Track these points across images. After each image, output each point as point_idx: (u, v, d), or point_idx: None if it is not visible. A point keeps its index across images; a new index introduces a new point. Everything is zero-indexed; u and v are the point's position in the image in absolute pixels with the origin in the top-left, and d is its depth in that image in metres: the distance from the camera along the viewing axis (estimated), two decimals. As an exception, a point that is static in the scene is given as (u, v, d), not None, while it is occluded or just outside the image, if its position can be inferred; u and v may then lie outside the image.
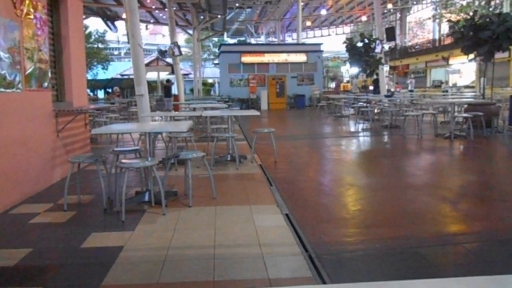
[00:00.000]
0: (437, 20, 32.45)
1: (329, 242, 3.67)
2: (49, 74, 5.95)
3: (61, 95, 6.73)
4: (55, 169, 5.92)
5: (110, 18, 23.01)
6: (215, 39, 43.86)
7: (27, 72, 5.23)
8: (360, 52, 19.10)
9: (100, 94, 32.50)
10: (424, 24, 39.15)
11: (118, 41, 56.03)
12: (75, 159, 4.64)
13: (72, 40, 6.79)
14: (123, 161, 4.45)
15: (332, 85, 37.37)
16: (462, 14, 19.06)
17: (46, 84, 5.79)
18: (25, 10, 5.20)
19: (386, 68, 24.16)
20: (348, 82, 36.60)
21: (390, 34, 20.56)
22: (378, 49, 18.08)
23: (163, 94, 21.71)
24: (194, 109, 11.15)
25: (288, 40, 44.20)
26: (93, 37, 34.61)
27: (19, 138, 4.97)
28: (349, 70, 37.10)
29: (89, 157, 4.80)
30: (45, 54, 5.81)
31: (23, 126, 5.11)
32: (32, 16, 5.40)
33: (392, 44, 29.60)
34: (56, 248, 3.57)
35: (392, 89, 23.21)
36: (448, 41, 25.73)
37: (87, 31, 32.14)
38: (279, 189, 5.38)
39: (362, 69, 19.65)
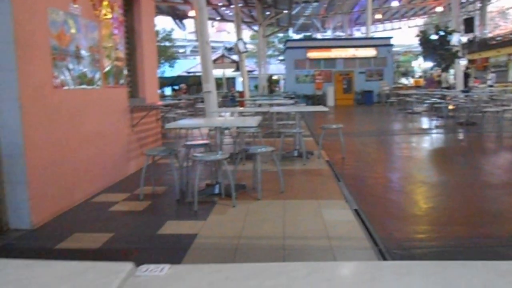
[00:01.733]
0: (523, 9, 30.05)
1: (400, 238, 3.56)
2: (125, 72, 6.28)
3: (135, 92, 7.07)
4: (130, 162, 6.24)
5: (179, 16, 23.82)
6: (280, 35, 43.87)
7: (105, 70, 5.55)
8: (435, 45, 18.18)
9: (167, 91, 33.66)
10: (507, 13, 36.45)
11: (186, 39, 57.65)
12: (150, 152, 4.88)
13: (145, 38, 7.10)
14: (196, 154, 4.60)
15: (404, 80, 35.85)
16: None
17: (122, 81, 6.12)
18: (103, 11, 5.52)
19: (463, 62, 22.83)
20: (420, 77, 34.99)
21: (469, 25, 19.40)
22: (454, 42, 17.14)
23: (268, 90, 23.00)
24: (259, 105, 11.25)
25: (356, 34, 43.16)
26: (160, 35, 35.83)
27: (99, 132, 5.30)
28: (421, 65, 35.51)
29: (163, 150, 5.01)
30: (121, 52, 6.14)
31: (102, 120, 5.44)
32: (109, 17, 5.72)
33: (470, 36, 27.89)
34: (135, 233, 3.79)
35: (470, 84, 21.87)
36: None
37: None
38: (347, 185, 5.30)
39: (436, 63, 18.71)
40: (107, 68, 5.62)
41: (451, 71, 18.61)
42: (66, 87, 4.47)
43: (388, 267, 0.83)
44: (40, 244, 3.52)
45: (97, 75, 5.29)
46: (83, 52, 4.91)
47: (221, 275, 0.83)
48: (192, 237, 3.51)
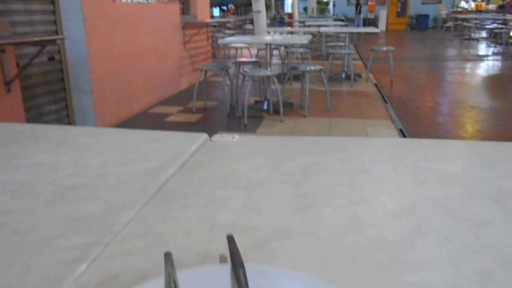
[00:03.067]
0: None
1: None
2: (177, -12, 6.30)
3: (187, 9, 7.11)
4: (182, 78, 6.46)
5: None
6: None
7: (159, -15, 5.60)
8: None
9: (215, 12, 33.02)
10: None
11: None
12: (204, 67, 5.04)
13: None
14: (246, 70, 4.72)
15: (464, 3, 33.25)
16: None
17: (174, -3, 6.17)
18: None
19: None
20: (482, 0, 32.30)
21: None
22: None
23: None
24: (308, 27, 11.01)
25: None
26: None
27: (154, 47, 5.48)
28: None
29: (215, 65, 5.16)
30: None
31: (157, 35, 5.59)
32: None
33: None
34: (189, 142, 4.06)
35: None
36: None
37: None
38: (394, 107, 5.30)
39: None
40: (160, -17, 5.67)
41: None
42: (123, 0, 4.60)
43: (427, 142, 0.95)
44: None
45: (151, -10, 5.36)
46: (137, -34, 4.96)
47: (282, 142, 0.99)
48: (242, 147, 3.73)
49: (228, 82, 5.14)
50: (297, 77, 6.33)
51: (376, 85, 6.76)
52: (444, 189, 0.69)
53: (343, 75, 7.14)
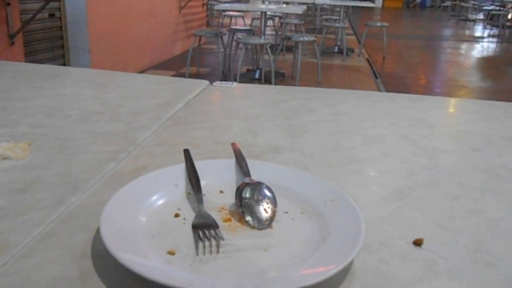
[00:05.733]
0: None
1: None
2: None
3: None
4: (176, 43, 6.47)
5: None
6: None
7: None
8: None
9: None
10: None
11: None
12: (198, 33, 5.08)
13: None
14: (240, 37, 4.78)
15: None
16: None
17: (171, -40, 6.13)
18: None
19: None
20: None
21: None
22: None
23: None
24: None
25: None
26: None
27: (148, 10, 5.47)
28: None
29: (210, 31, 5.20)
30: None
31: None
32: None
33: None
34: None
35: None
36: None
37: None
38: (384, 82, 5.42)
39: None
40: None
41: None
42: (121, -39, 4.60)
43: (404, 96, 1.08)
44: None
45: (148, -48, 5.33)
46: None
47: (276, 90, 1.11)
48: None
49: (222, 49, 5.20)
50: (290, 49, 6.40)
51: (368, 60, 6.86)
52: (413, 129, 0.83)
53: (336, 49, 7.21)
